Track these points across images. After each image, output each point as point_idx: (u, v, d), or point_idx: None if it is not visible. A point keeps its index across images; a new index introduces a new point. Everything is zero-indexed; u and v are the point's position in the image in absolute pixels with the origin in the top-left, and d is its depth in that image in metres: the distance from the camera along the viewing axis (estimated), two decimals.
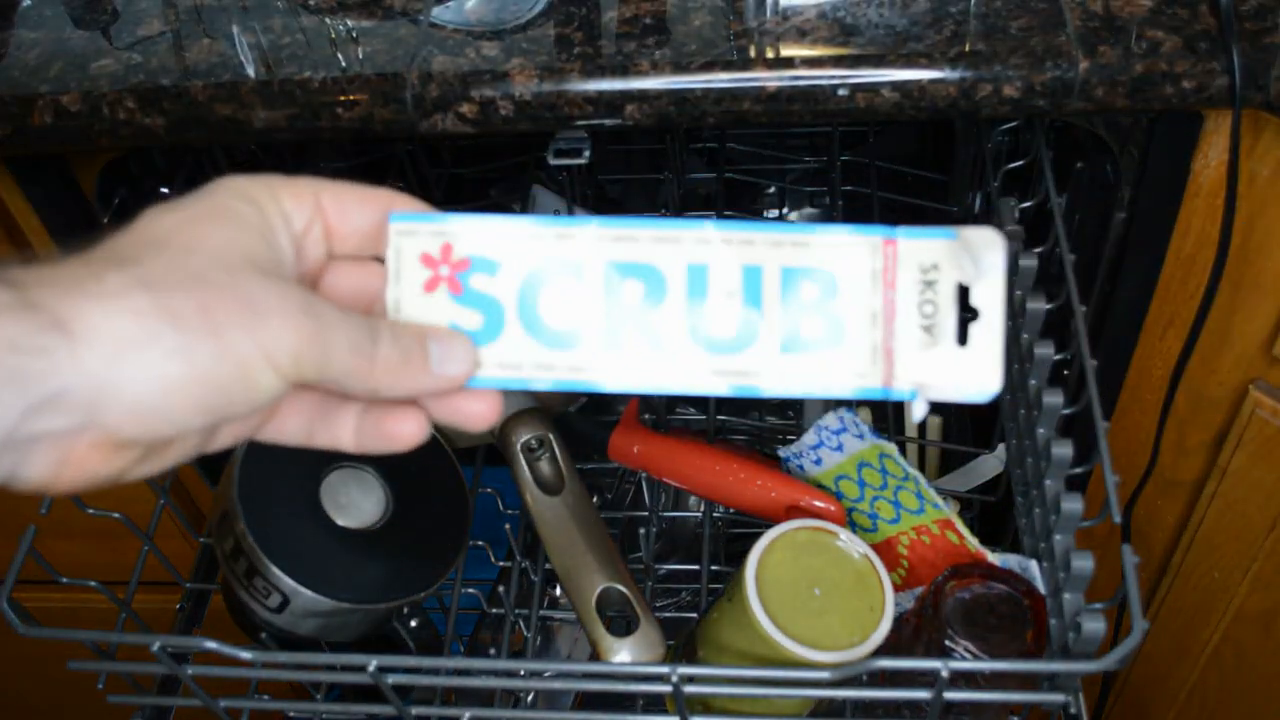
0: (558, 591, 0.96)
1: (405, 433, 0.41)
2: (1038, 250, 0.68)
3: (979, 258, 0.38)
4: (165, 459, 0.38)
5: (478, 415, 0.41)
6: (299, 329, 0.36)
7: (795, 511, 0.73)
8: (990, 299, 0.38)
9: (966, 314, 0.38)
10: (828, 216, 1.17)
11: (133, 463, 0.36)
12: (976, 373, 0.38)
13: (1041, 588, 0.64)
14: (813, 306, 0.38)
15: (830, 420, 0.77)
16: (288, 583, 0.66)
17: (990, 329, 0.38)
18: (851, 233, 0.38)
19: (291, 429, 0.41)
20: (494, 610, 0.91)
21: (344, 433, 0.41)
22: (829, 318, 0.38)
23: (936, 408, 1.01)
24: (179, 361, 0.34)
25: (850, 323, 0.38)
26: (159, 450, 0.37)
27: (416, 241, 0.39)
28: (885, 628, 0.61)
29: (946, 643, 0.60)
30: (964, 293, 0.38)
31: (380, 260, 0.41)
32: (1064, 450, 0.59)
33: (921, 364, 0.38)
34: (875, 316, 0.38)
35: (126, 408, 0.34)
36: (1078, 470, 0.61)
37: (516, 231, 0.39)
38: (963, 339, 0.38)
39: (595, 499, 0.96)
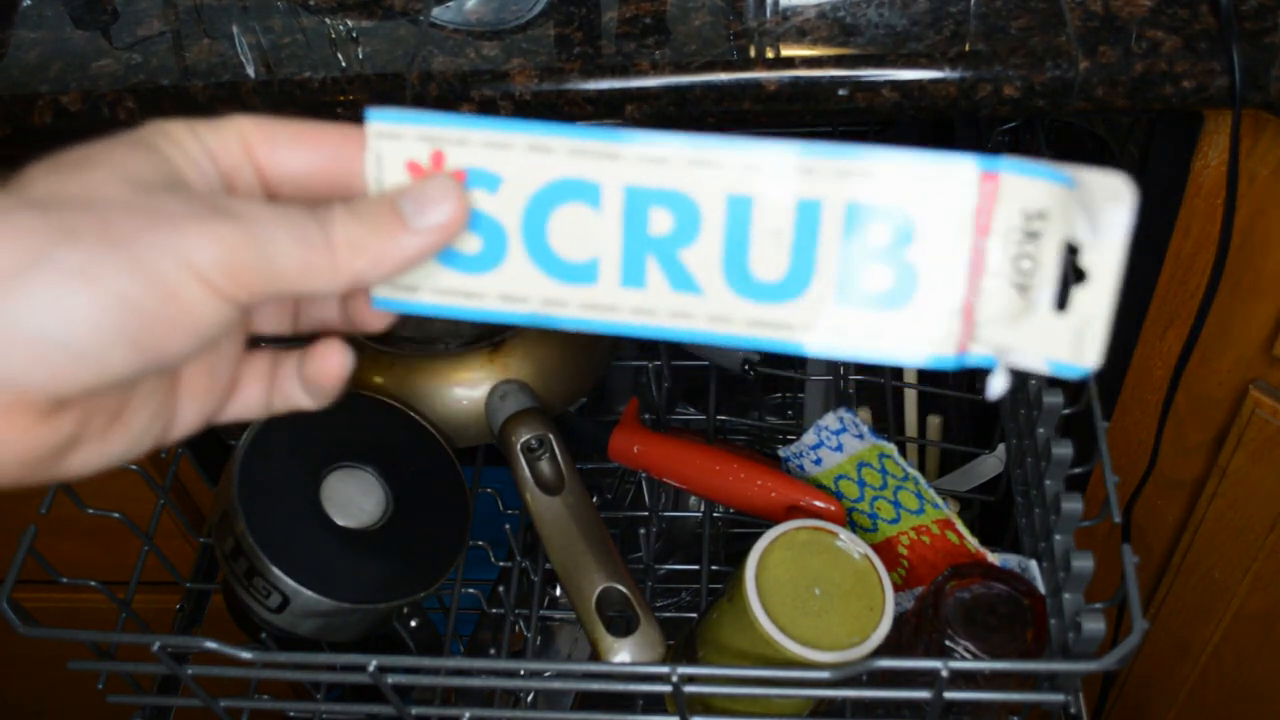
0: (558, 591, 0.96)
1: (329, 369, 0.35)
2: None
3: (1098, 213, 0.31)
4: (119, 434, 0.33)
5: (333, 369, 0.35)
6: (222, 233, 0.30)
7: (795, 511, 0.73)
8: (1105, 263, 0.32)
9: (1071, 277, 0.32)
10: None
11: (69, 436, 0.31)
12: (1073, 344, 0.32)
13: (1041, 588, 0.64)
14: (882, 253, 0.32)
15: (830, 420, 0.77)
16: (288, 583, 0.66)
17: (1099, 296, 0.32)
18: (942, 161, 0.32)
19: (252, 398, 0.37)
20: (494, 610, 0.91)
21: (294, 389, 0.37)
22: (901, 267, 0.32)
23: (937, 407, 1.01)
24: (83, 283, 0.28)
25: (927, 274, 0.32)
26: (102, 415, 0.32)
27: (401, 147, 0.33)
28: (885, 628, 0.61)
29: (946, 643, 0.60)
30: (1071, 251, 0.32)
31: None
32: (1064, 450, 0.59)
33: (1011, 331, 0.32)
34: (961, 268, 0.32)
35: (29, 350, 0.28)
36: (1078, 470, 0.61)
37: (521, 141, 0.33)
38: (1062, 303, 0.32)
39: (595, 499, 0.96)
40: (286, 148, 0.34)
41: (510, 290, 0.34)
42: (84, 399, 0.31)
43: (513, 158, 0.33)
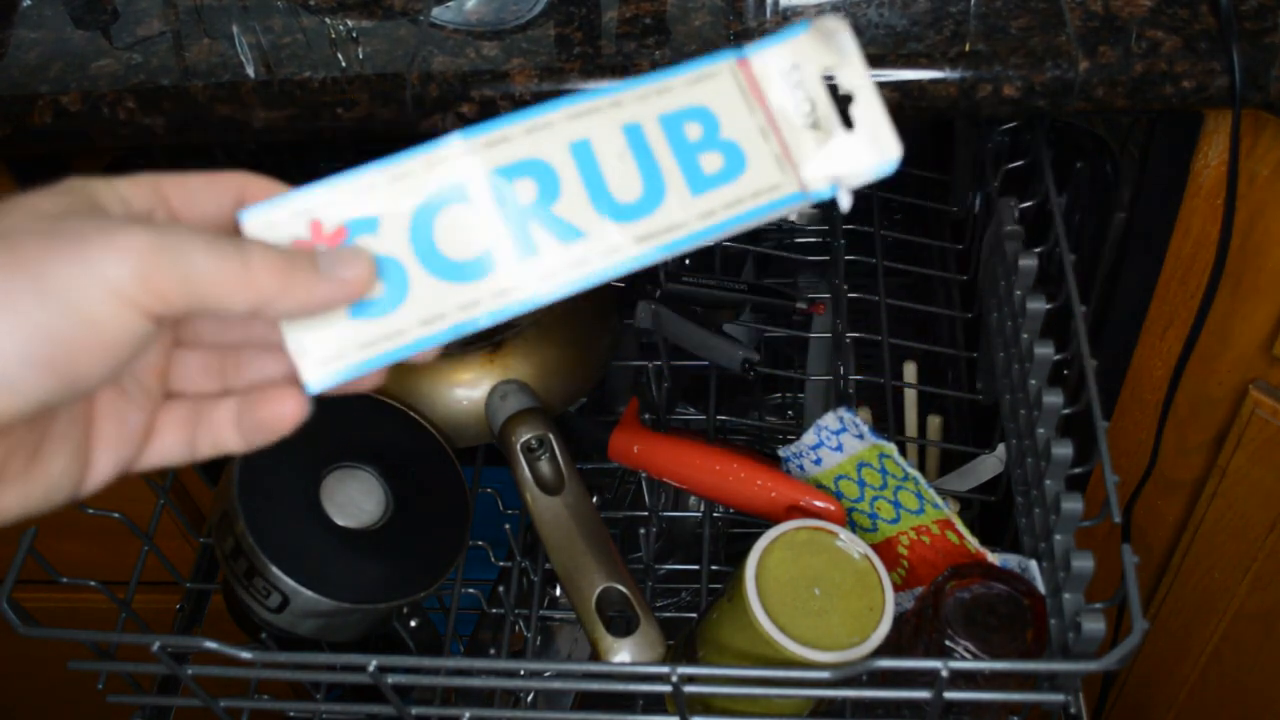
0: (558, 591, 0.96)
1: (283, 414, 0.36)
2: (1038, 250, 0.68)
3: (831, 42, 0.38)
4: (38, 475, 0.33)
5: (288, 415, 0.36)
6: (135, 244, 0.30)
7: (795, 511, 0.73)
8: (857, 77, 0.38)
9: (842, 99, 0.38)
10: (827, 216, 1.17)
11: None
12: (875, 146, 0.38)
13: (1041, 588, 0.64)
14: (703, 142, 0.38)
15: (830, 420, 0.77)
16: (288, 583, 0.66)
17: (869, 103, 0.38)
18: (706, 64, 0.38)
19: (171, 445, 0.37)
20: (494, 610, 0.91)
21: (225, 430, 0.37)
22: (723, 146, 0.38)
23: (937, 407, 1.01)
24: None
25: (744, 144, 0.38)
26: (20, 454, 0.32)
27: (280, 230, 0.35)
28: (885, 628, 0.61)
29: (946, 643, 0.60)
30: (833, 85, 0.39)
31: None
32: (1064, 450, 0.59)
33: (824, 159, 0.38)
34: (763, 130, 0.38)
35: None
36: (1078, 470, 0.61)
37: (381, 178, 0.36)
38: (849, 123, 0.38)
39: (595, 499, 0.96)
40: (198, 192, 0.35)
41: (427, 313, 0.35)
42: (3, 430, 0.31)
43: (379, 195, 0.36)
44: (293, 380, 0.36)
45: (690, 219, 0.37)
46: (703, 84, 0.38)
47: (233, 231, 0.35)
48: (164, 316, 0.31)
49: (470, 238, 0.36)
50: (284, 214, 0.35)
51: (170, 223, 0.32)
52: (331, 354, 0.35)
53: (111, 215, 0.33)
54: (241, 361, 0.38)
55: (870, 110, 0.38)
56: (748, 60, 0.39)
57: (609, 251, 0.36)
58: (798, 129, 0.38)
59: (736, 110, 0.38)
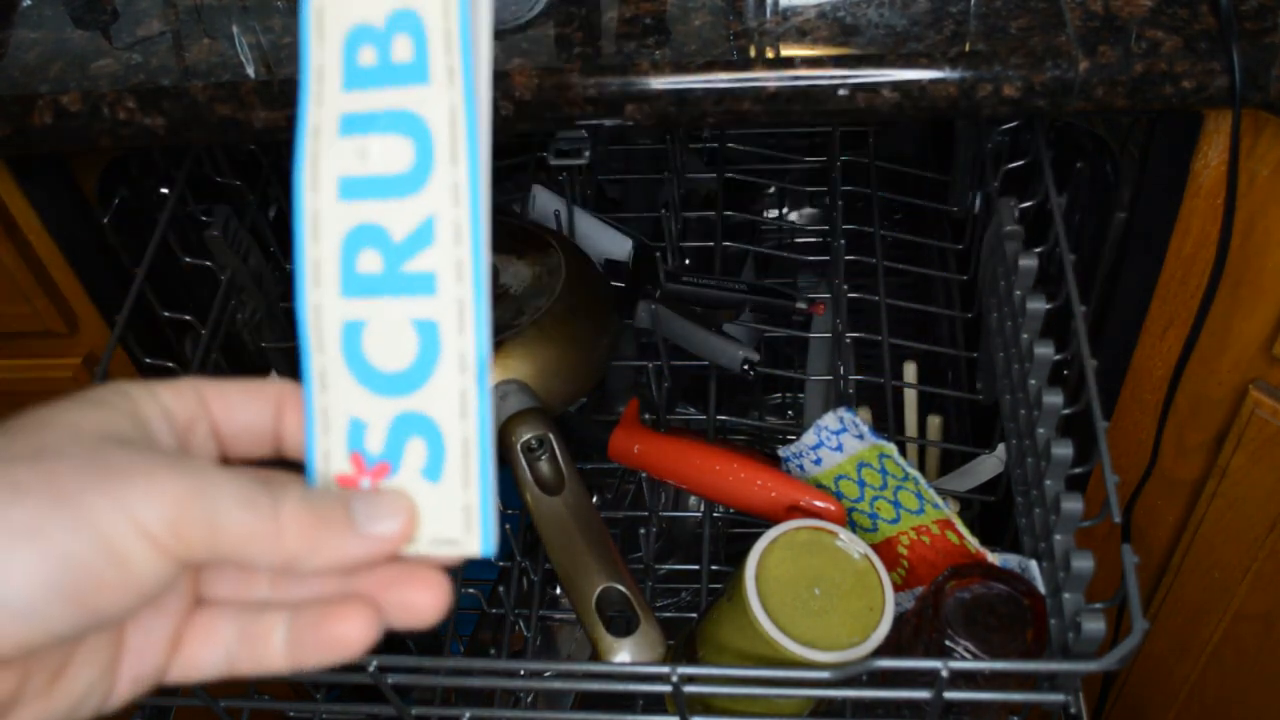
0: (558, 591, 0.96)
1: (351, 636, 0.33)
2: (1038, 250, 0.68)
3: None
4: (60, 694, 0.32)
5: (423, 607, 0.34)
6: (171, 489, 0.30)
7: (795, 511, 0.73)
8: None
9: None
10: (827, 216, 1.17)
11: (8, 693, 0.30)
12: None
13: (1041, 588, 0.64)
14: (383, 47, 0.34)
15: (830, 420, 0.77)
16: None
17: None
18: (308, 9, 0.35)
19: (207, 660, 0.35)
20: (494, 610, 0.91)
21: (271, 651, 0.34)
22: (393, 26, 0.34)
23: (937, 407, 1.01)
24: (26, 541, 0.28)
25: (398, 3, 0.34)
26: (42, 673, 0.31)
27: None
28: (885, 628, 0.61)
29: (946, 643, 0.60)
30: None
31: (280, 463, 0.36)
32: (1064, 450, 0.59)
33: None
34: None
35: None
36: (1078, 470, 0.61)
37: (315, 403, 0.35)
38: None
39: (595, 499, 0.96)
40: (238, 404, 0.36)
41: (454, 406, 0.34)
42: (23, 656, 0.30)
43: (333, 404, 0.35)
44: (358, 597, 0.34)
45: (449, 96, 0.34)
46: (325, 24, 0.35)
47: (268, 444, 0.36)
48: (185, 561, 0.31)
49: (400, 336, 0.35)
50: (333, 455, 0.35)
51: (210, 469, 0.31)
52: (463, 518, 0.34)
53: (153, 436, 0.33)
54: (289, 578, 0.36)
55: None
56: None
57: (455, 196, 0.34)
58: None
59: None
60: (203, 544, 0.31)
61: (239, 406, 0.36)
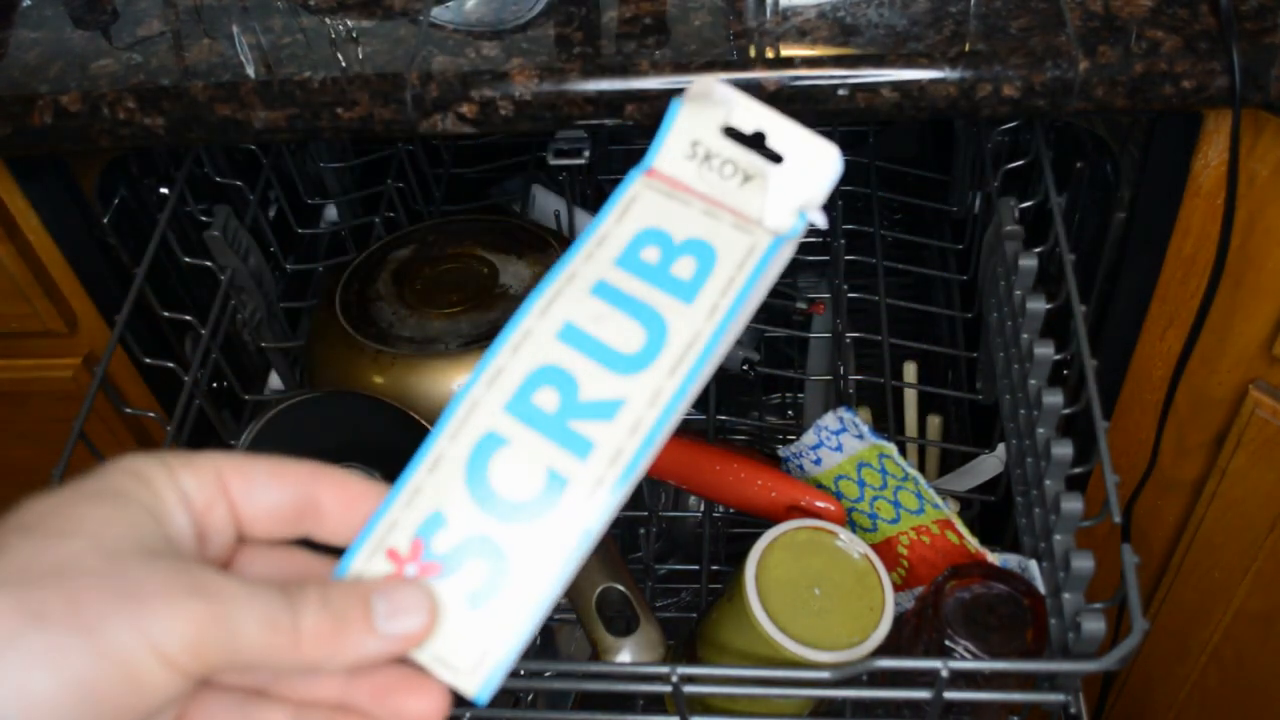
0: None
1: (423, 711, 0.34)
2: (1038, 250, 0.68)
3: (709, 102, 0.38)
4: None
5: (423, 714, 0.34)
6: (193, 614, 0.30)
7: (795, 511, 0.73)
8: (753, 115, 0.38)
9: (753, 141, 0.38)
10: (827, 216, 1.17)
11: None
12: (813, 160, 0.38)
13: (1041, 588, 0.64)
14: (666, 258, 0.37)
15: (830, 420, 0.77)
16: None
17: (779, 129, 0.38)
18: (621, 195, 0.38)
19: None
20: None
21: None
22: (685, 249, 0.37)
23: (937, 407, 1.01)
24: (46, 668, 0.29)
25: (701, 234, 0.37)
26: None
27: (369, 573, 0.35)
28: (885, 628, 0.61)
29: (946, 643, 0.60)
30: (733, 133, 0.39)
31: (300, 543, 0.37)
32: (1064, 450, 0.59)
33: (775, 200, 0.38)
34: (709, 212, 0.38)
35: None
36: (1078, 470, 0.61)
37: (421, 476, 0.36)
38: (777, 157, 0.38)
39: None
40: (261, 486, 0.35)
41: (536, 564, 0.35)
42: None
43: (428, 492, 0.35)
44: (349, 707, 0.34)
45: (700, 325, 0.36)
46: (630, 212, 0.38)
47: (291, 525, 0.36)
48: (203, 677, 0.31)
49: (529, 470, 0.35)
50: (363, 559, 0.35)
51: (230, 588, 0.32)
52: (477, 657, 0.34)
53: (174, 535, 0.33)
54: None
55: (785, 135, 0.38)
56: (653, 168, 0.39)
57: (653, 400, 0.36)
58: (735, 191, 0.38)
59: (673, 213, 0.38)
60: (221, 662, 0.31)
61: (261, 488, 0.35)
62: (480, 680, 0.34)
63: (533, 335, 0.37)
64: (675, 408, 0.35)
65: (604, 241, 0.38)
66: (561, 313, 0.37)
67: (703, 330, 0.36)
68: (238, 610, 0.31)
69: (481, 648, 0.34)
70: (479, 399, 0.36)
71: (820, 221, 0.38)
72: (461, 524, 0.35)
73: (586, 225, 0.39)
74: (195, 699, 0.34)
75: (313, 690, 0.35)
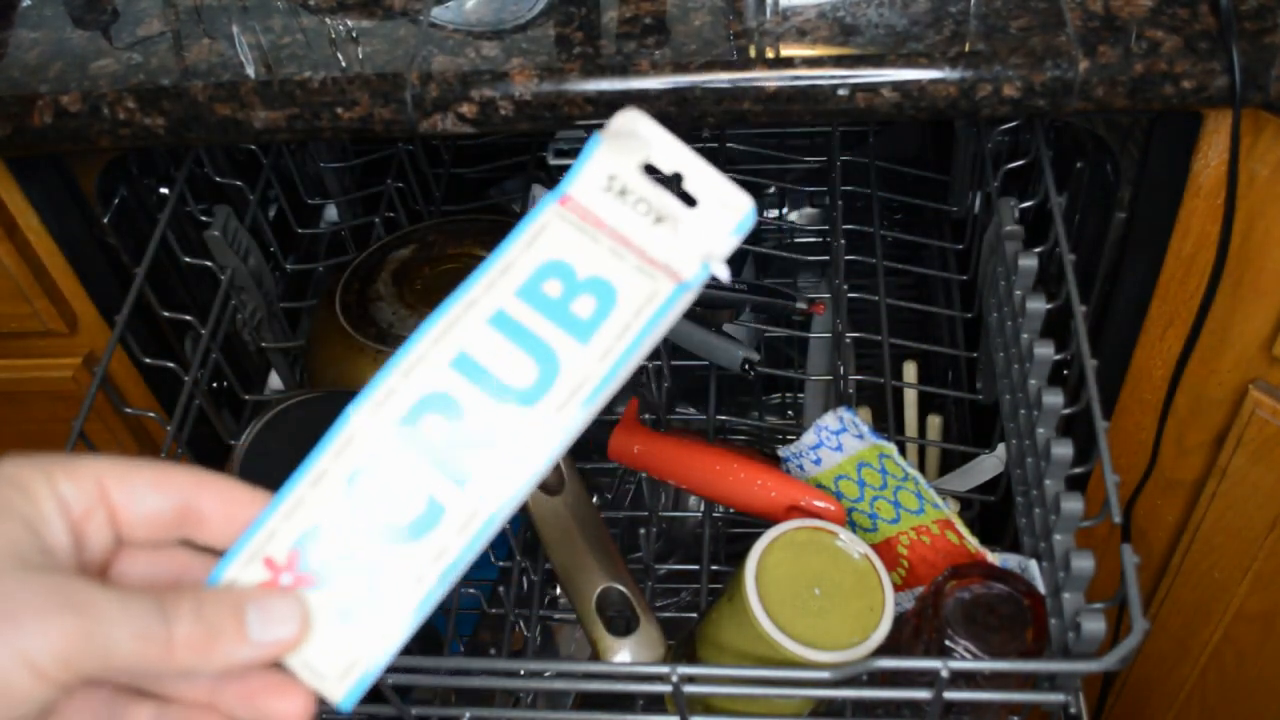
0: (558, 591, 0.96)
1: (288, 712, 0.35)
2: (1038, 250, 0.68)
3: (635, 135, 0.38)
4: None
5: (290, 715, 0.35)
6: (64, 628, 0.31)
7: (795, 511, 0.73)
8: (673, 156, 0.38)
9: (670, 181, 0.38)
10: (828, 216, 1.17)
11: None
12: (725, 209, 0.38)
13: (1041, 588, 0.64)
14: (567, 293, 0.37)
15: (830, 420, 0.77)
16: None
17: (697, 173, 0.38)
18: (533, 220, 0.38)
19: None
20: (494, 610, 0.91)
21: None
22: (587, 287, 0.38)
23: (936, 407, 1.01)
24: None
25: (604, 273, 0.38)
26: None
27: (244, 580, 0.36)
28: (885, 628, 0.61)
29: (946, 643, 0.60)
30: (652, 170, 0.39)
31: (181, 543, 0.37)
32: (1064, 450, 0.59)
33: (683, 245, 0.38)
34: (615, 251, 0.38)
35: None
36: (1078, 470, 0.61)
37: (303, 490, 0.36)
38: (691, 200, 0.38)
39: (595, 499, 0.96)
40: (143, 492, 0.36)
41: (406, 581, 0.36)
42: None
43: (308, 506, 0.36)
44: (214, 710, 0.35)
45: (591, 367, 0.37)
46: (538, 241, 0.38)
47: (172, 529, 0.36)
48: (74, 686, 0.32)
49: (409, 494, 0.36)
50: (239, 566, 0.36)
51: (102, 600, 0.32)
52: (345, 666, 0.35)
53: (49, 544, 0.33)
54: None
55: (702, 178, 0.38)
56: (568, 196, 0.38)
57: (539, 433, 0.36)
58: (646, 231, 0.38)
59: (581, 247, 0.38)
60: (95, 671, 0.32)
61: (142, 495, 0.36)
62: (346, 688, 0.35)
63: (426, 361, 0.37)
64: (558, 445, 0.37)
65: (508, 270, 0.38)
66: (457, 341, 0.37)
67: (593, 373, 0.37)
68: (111, 624, 0.32)
69: (350, 658, 0.35)
70: (366, 422, 0.37)
71: (723, 274, 0.38)
72: (338, 539, 0.36)
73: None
74: (71, 698, 0.35)
75: (181, 690, 0.36)
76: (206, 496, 0.36)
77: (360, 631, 0.35)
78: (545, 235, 0.38)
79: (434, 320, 0.37)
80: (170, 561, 0.37)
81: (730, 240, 0.38)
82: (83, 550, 0.35)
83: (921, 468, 1.00)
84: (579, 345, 0.37)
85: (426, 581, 0.36)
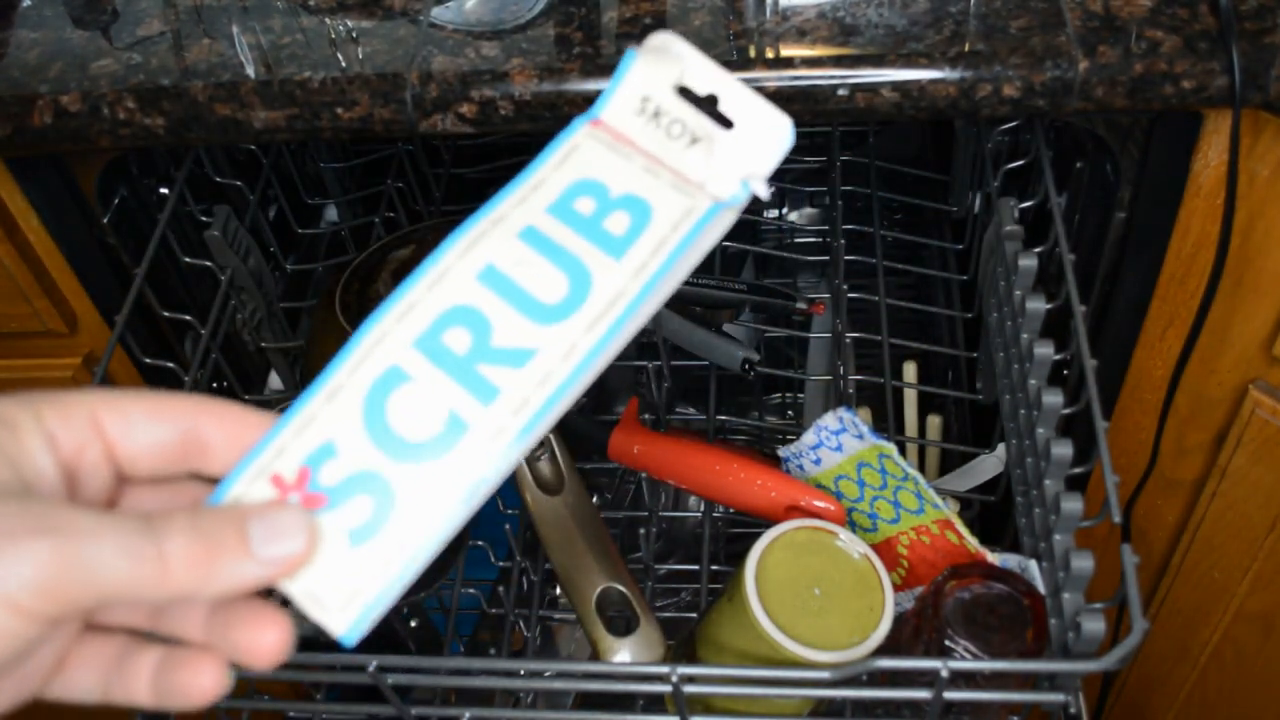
0: (557, 591, 0.96)
1: (202, 685, 0.33)
2: (1038, 250, 0.68)
3: (665, 58, 0.37)
4: None
5: (266, 648, 0.32)
6: (38, 554, 0.29)
7: (795, 511, 0.73)
8: (708, 76, 0.37)
9: (706, 103, 0.37)
10: (828, 216, 1.17)
11: None
12: (763, 129, 0.36)
13: (1041, 588, 0.64)
14: (600, 210, 0.36)
15: (830, 420, 0.77)
16: None
17: (733, 93, 0.37)
18: (563, 142, 0.37)
19: (83, 684, 0.34)
20: (494, 610, 0.91)
21: (140, 687, 0.34)
22: (620, 204, 0.36)
23: (936, 407, 1.01)
24: None
25: (639, 191, 0.36)
26: None
27: (249, 498, 0.33)
28: (885, 628, 0.61)
29: (946, 643, 0.60)
30: (685, 92, 0.38)
31: (190, 477, 0.35)
32: (1064, 450, 0.59)
33: (720, 165, 0.37)
34: (649, 170, 0.37)
35: None
36: (1078, 470, 0.61)
37: (316, 405, 0.34)
38: (728, 122, 0.37)
39: (595, 499, 0.96)
40: (139, 423, 0.34)
41: (424, 506, 0.33)
42: None
43: (321, 422, 0.34)
44: (212, 649, 0.33)
45: (626, 283, 0.35)
46: (570, 160, 0.37)
47: (177, 461, 0.34)
48: (67, 618, 0.30)
49: (430, 411, 0.34)
50: (244, 484, 0.34)
51: (82, 521, 0.30)
52: (348, 595, 0.33)
53: (31, 478, 0.32)
54: (169, 608, 0.35)
55: (739, 100, 0.37)
56: (599, 119, 0.38)
57: (567, 353, 0.34)
58: (680, 153, 0.37)
59: (614, 165, 0.37)
60: (84, 598, 0.30)
61: (140, 424, 0.34)
62: (349, 620, 0.33)
63: (451, 273, 0.35)
64: (589, 365, 0.34)
65: (539, 187, 0.37)
66: (484, 254, 0.35)
67: (627, 289, 0.35)
68: (92, 543, 0.30)
69: (354, 586, 0.33)
70: (387, 332, 0.35)
71: (763, 193, 0.37)
72: (352, 457, 0.34)
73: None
74: (80, 643, 0.34)
75: (187, 628, 0.34)
76: (210, 423, 0.34)
77: (368, 558, 0.33)
78: (577, 155, 0.37)
79: (460, 234, 0.36)
80: (181, 496, 0.35)
81: (770, 161, 0.36)
82: (79, 487, 0.33)
83: (921, 468, 1.00)
84: (612, 261, 0.35)
85: (447, 505, 0.33)
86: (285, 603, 0.34)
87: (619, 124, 0.37)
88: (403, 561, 0.33)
